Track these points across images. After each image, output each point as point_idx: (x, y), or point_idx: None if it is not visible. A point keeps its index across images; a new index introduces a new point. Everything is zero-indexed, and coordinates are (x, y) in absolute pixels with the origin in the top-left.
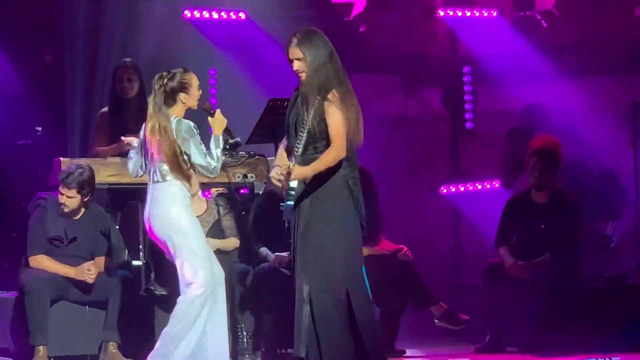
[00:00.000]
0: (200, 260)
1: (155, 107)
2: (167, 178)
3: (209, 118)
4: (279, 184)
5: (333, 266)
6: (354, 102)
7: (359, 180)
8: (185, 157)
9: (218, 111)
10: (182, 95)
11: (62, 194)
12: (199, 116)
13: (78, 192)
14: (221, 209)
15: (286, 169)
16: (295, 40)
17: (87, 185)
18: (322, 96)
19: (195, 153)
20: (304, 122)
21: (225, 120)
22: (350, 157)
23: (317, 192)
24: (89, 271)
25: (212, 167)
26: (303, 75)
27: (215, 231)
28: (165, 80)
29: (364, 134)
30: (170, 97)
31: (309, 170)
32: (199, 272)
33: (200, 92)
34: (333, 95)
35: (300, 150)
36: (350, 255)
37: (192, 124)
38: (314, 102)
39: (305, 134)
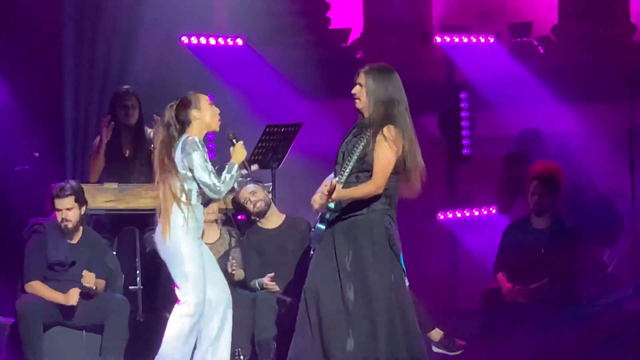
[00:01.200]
0: (192, 285)
1: (166, 136)
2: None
3: (231, 147)
4: (316, 206)
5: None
6: (413, 148)
7: (395, 221)
8: (184, 186)
9: (240, 142)
10: (194, 112)
11: (61, 210)
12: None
13: (75, 201)
14: (233, 240)
15: (332, 185)
16: (366, 67)
17: (81, 193)
18: (377, 130)
19: (198, 168)
20: (354, 150)
21: (245, 153)
22: (391, 195)
23: (353, 221)
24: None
25: (216, 187)
26: (357, 102)
27: (224, 260)
28: (176, 105)
29: None
30: (184, 118)
31: (348, 193)
32: (190, 295)
33: (218, 110)
34: (389, 131)
35: (345, 178)
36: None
37: (197, 139)
38: (368, 133)
39: (352, 163)
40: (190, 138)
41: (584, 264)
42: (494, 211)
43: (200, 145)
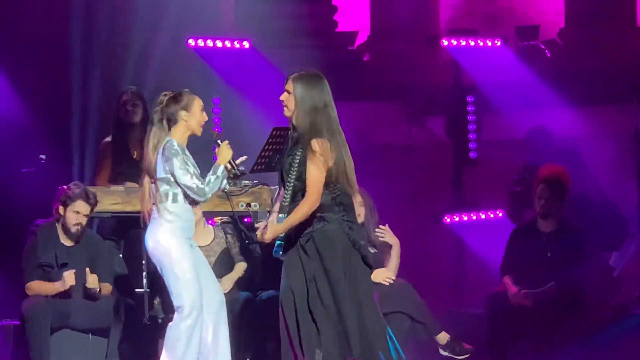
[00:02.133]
0: (184, 285)
1: (153, 131)
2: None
3: (216, 148)
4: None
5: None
6: (343, 153)
7: (356, 223)
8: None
9: (225, 142)
10: (183, 114)
11: (79, 213)
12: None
13: (86, 201)
14: (229, 237)
15: (263, 226)
16: (295, 74)
17: (90, 193)
18: (305, 146)
19: (179, 172)
20: (291, 170)
21: (231, 152)
22: (342, 202)
23: (314, 237)
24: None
25: (199, 189)
26: (285, 110)
27: (224, 259)
28: (168, 97)
29: (356, 166)
30: (171, 115)
31: (282, 228)
32: (183, 297)
33: (206, 118)
34: (315, 145)
35: (289, 199)
36: (361, 303)
37: (175, 142)
38: (299, 152)
39: (292, 182)
40: (169, 142)
41: (590, 268)
42: (500, 214)
43: (179, 149)
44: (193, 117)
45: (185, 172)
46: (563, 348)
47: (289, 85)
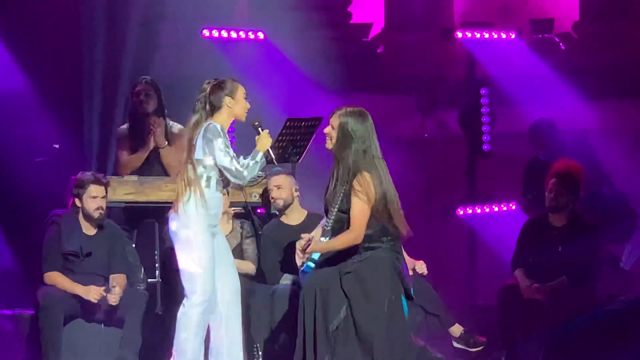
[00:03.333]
0: (198, 272)
1: (195, 119)
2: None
3: (256, 136)
4: (299, 263)
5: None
6: (386, 187)
7: (402, 254)
8: (203, 172)
9: (266, 131)
10: (227, 100)
11: (96, 197)
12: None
13: (98, 184)
14: (244, 232)
15: (306, 240)
16: (341, 110)
17: (98, 175)
18: (349, 182)
19: (220, 154)
20: (334, 203)
21: (270, 141)
22: (389, 233)
23: (359, 265)
24: (103, 292)
25: (239, 171)
26: (327, 142)
27: (236, 253)
28: (212, 84)
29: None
30: (215, 102)
31: (323, 247)
32: (197, 284)
33: (249, 105)
34: (359, 181)
35: (330, 225)
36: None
37: (219, 125)
38: (341, 189)
39: (334, 213)
40: (212, 125)
41: (602, 261)
42: (513, 207)
43: (222, 132)
44: (238, 103)
45: (226, 153)
46: (576, 341)
47: (334, 120)
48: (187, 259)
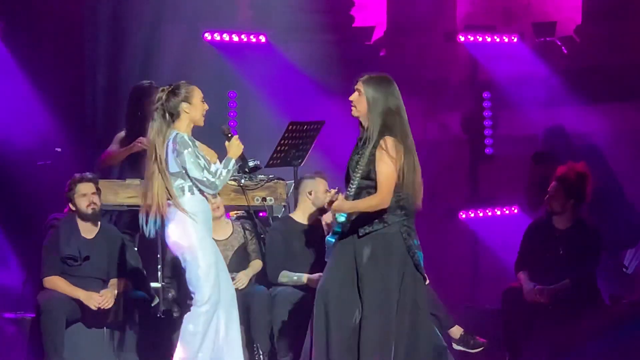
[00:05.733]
0: (204, 278)
1: (156, 127)
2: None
3: (226, 142)
4: (327, 221)
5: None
6: (412, 159)
7: (414, 229)
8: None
9: (235, 137)
10: (184, 105)
11: (86, 194)
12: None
13: (85, 181)
14: (247, 233)
15: (331, 197)
16: (365, 76)
17: (85, 173)
18: (376, 144)
19: (191, 166)
20: (357, 168)
21: (242, 147)
22: (404, 207)
23: (372, 237)
24: (101, 297)
25: (210, 182)
26: (353, 110)
27: (241, 254)
28: (166, 91)
29: None
30: (173, 109)
31: (348, 205)
32: (204, 290)
33: (207, 107)
34: (386, 143)
35: (353, 192)
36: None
37: (187, 136)
38: (369, 149)
39: (357, 179)
40: (179, 135)
41: (605, 265)
42: (515, 210)
43: (190, 142)
44: (195, 108)
45: (197, 165)
46: (578, 345)
47: (360, 86)
48: (193, 268)
